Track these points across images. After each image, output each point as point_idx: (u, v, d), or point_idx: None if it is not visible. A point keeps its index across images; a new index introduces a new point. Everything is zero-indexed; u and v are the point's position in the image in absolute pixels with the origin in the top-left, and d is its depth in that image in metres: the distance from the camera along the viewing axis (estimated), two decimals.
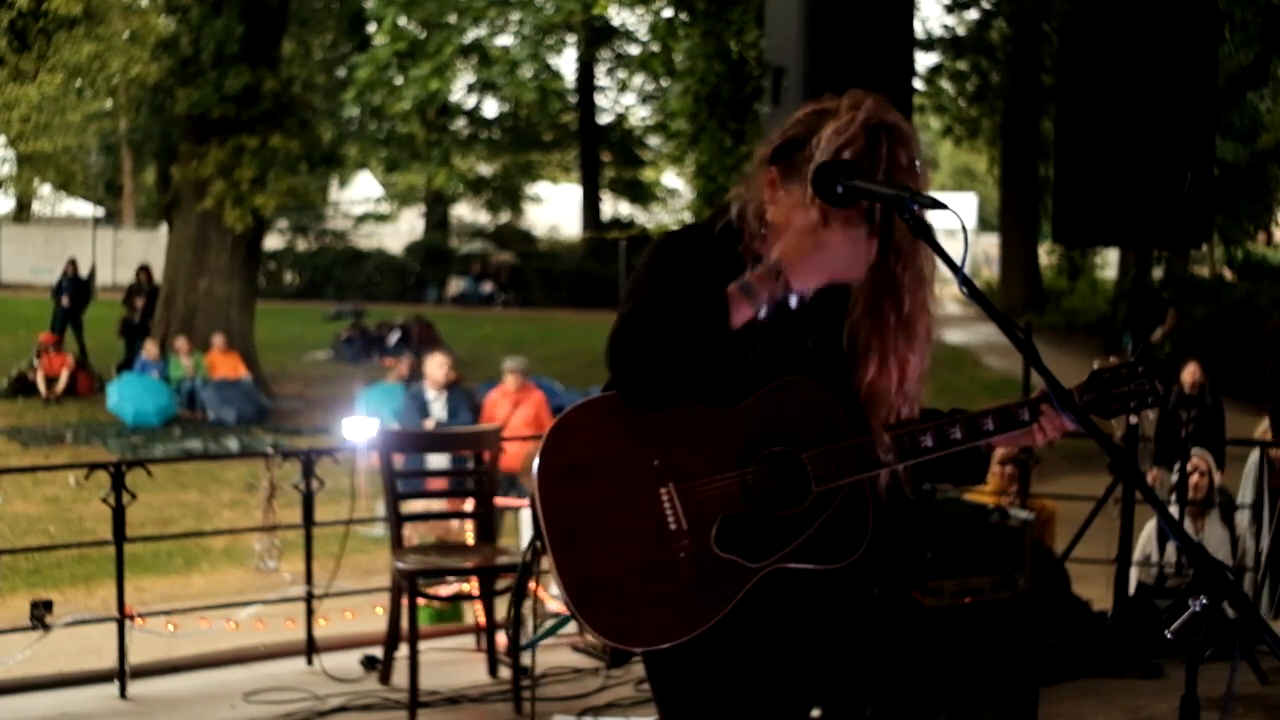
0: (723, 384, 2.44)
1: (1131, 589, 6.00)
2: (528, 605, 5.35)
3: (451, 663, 5.81)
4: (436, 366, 10.18)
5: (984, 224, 45.39)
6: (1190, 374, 10.34)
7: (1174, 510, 6.86)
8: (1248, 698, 5.33)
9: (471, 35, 18.99)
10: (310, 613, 5.88)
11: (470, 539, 6.02)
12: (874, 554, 2.51)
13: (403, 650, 5.19)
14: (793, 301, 2.50)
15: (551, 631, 5.09)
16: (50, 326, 20.25)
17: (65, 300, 20.99)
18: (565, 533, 2.40)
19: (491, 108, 32.06)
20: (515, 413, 10.04)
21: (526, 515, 7.48)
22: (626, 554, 2.39)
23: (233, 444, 15.72)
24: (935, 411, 2.60)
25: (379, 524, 8.60)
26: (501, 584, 5.47)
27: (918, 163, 2.41)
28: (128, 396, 16.61)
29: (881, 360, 2.49)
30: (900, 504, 2.55)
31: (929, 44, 25.15)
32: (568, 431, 2.43)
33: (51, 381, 18.02)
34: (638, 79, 31.42)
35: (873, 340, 2.49)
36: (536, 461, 2.42)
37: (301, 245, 34.95)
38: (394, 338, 22.49)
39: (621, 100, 35.89)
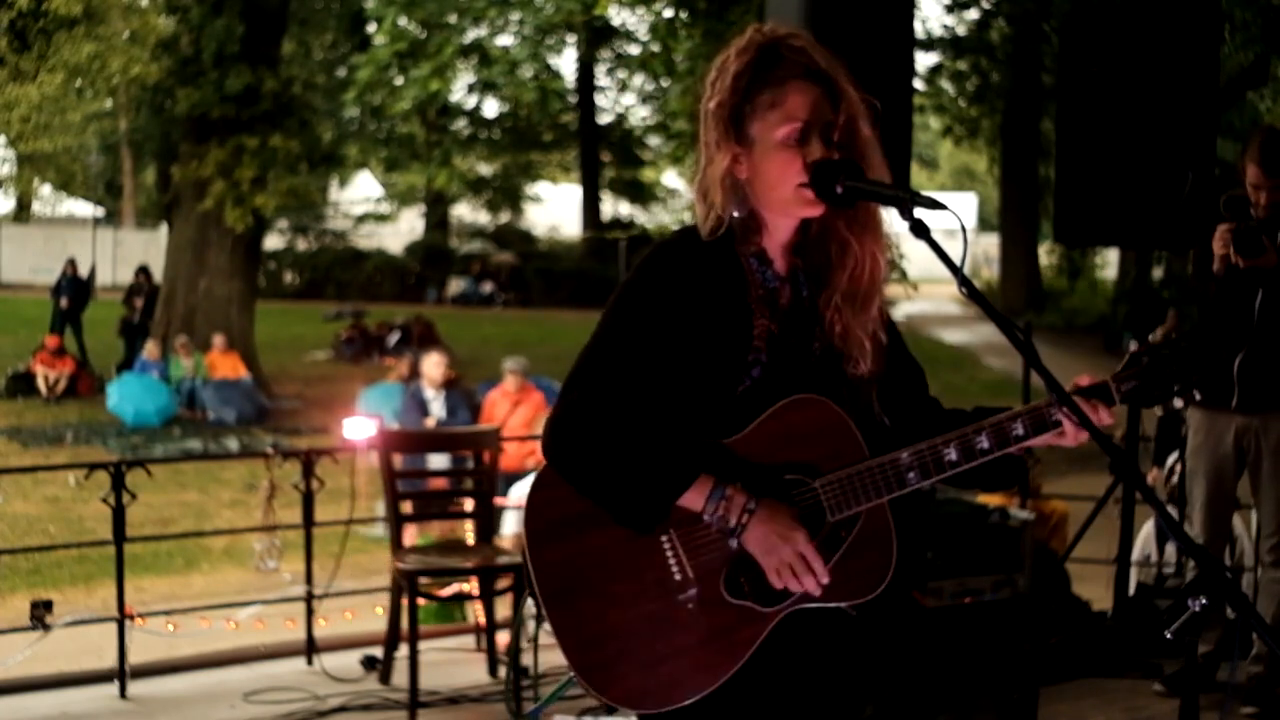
0: (715, 414, 2.26)
1: (1131, 589, 6.00)
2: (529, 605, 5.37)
3: (451, 663, 5.80)
4: (433, 365, 10.19)
5: (984, 224, 45.47)
6: None
7: (1173, 510, 6.85)
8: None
9: (471, 35, 19.04)
10: (310, 613, 5.88)
11: (470, 539, 6.01)
12: (900, 582, 2.33)
13: (403, 650, 5.18)
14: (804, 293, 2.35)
15: (558, 693, 5.00)
16: (50, 327, 20.23)
17: (64, 301, 20.97)
18: (559, 591, 2.23)
19: (491, 108, 32.11)
20: (515, 413, 10.04)
21: (510, 514, 7.48)
22: (629, 610, 2.21)
23: (233, 444, 15.72)
24: (958, 412, 2.39)
25: (379, 524, 8.60)
26: (501, 584, 5.47)
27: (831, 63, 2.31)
28: (128, 396, 16.60)
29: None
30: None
31: (929, 44, 25.16)
32: (551, 485, 2.26)
33: (53, 382, 18.04)
34: (638, 79, 31.44)
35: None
36: (524, 522, 2.26)
37: (301, 245, 34.99)
38: (394, 338, 22.50)
39: (621, 100, 35.96)
